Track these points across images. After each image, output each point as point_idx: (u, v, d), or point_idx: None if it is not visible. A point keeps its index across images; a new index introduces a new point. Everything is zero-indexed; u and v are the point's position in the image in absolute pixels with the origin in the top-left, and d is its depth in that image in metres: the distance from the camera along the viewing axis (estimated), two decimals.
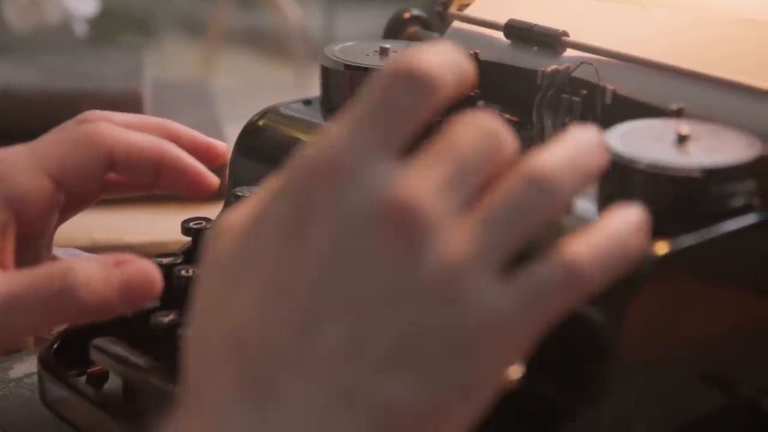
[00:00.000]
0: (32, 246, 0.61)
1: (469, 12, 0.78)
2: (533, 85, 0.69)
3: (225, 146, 0.66)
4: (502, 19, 0.73)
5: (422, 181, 0.40)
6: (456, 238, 0.40)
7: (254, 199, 0.43)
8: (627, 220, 0.44)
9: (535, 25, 0.71)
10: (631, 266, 0.43)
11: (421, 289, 0.39)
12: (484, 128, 0.43)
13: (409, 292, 0.39)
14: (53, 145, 0.61)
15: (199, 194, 0.63)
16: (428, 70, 0.41)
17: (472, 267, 0.40)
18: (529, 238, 0.42)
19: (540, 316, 0.41)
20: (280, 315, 0.40)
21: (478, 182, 0.42)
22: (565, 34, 0.70)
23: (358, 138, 0.40)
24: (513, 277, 0.41)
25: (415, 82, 0.41)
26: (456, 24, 0.78)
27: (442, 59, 0.42)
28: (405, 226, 0.39)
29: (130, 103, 1.05)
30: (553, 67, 0.68)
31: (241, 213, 0.43)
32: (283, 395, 0.39)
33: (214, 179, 0.64)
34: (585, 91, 0.66)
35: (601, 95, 0.65)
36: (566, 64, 0.68)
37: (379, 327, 0.39)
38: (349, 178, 0.40)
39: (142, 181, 0.64)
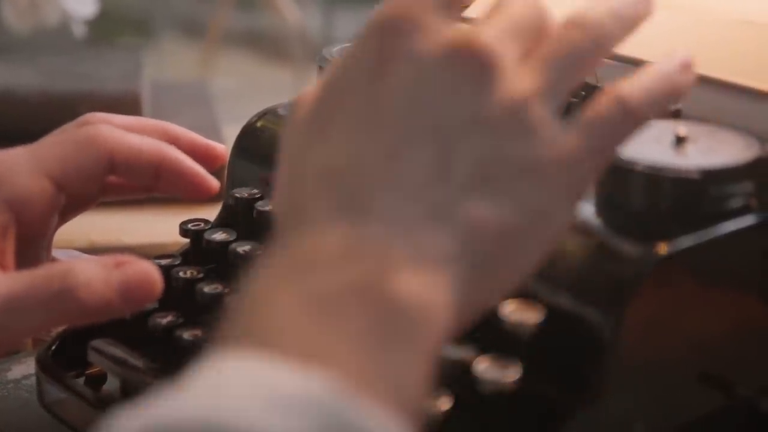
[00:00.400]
0: (32, 248, 0.61)
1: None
2: None
3: (224, 148, 0.66)
4: None
5: (486, 29, 0.45)
6: (521, 76, 0.44)
7: (335, 61, 0.47)
8: (674, 59, 0.49)
9: None
10: (679, 100, 0.52)
11: (492, 119, 0.43)
12: (530, 3, 0.47)
13: (482, 121, 0.43)
14: (54, 147, 0.61)
15: (198, 197, 0.63)
16: None
17: (537, 101, 0.44)
18: (581, 80, 0.47)
19: (600, 149, 0.45)
20: (369, 144, 0.43)
21: (529, 43, 0.46)
22: None
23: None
24: (572, 117, 0.45)
25: None
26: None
27: None
28: (476, 62, 0.44)
29: (128, 104, 1.05)
30: None
31: (325, 73, 0.46)
32: (377, 210, 0.42)
33: (213, 182, 0.64)
34: (583, 93, 0.66)
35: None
36: None
37: (458, 153, 0.43)
38: (425, 24, 0.44)
39: (142, 184, 0.64)
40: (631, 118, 0.46)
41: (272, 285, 0.40)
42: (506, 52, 0.44)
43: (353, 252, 0.41)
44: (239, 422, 0.35)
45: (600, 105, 0.46)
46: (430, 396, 0.41)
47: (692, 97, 0.62)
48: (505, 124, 0.43)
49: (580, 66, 0.46)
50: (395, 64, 0.44)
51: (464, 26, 0.45)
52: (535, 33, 0.46)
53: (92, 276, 0.54)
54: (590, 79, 0.66)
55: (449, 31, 0.44)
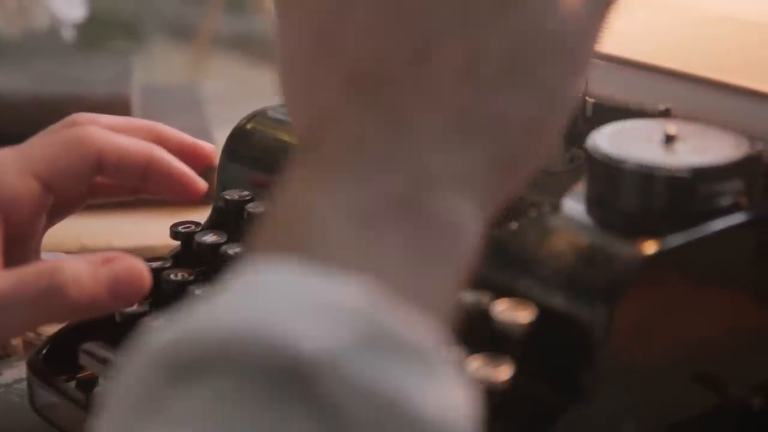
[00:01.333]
0: (20, 249, 0.61)
1: None
2: None
3: (212, 148, 0.66)
4: None
5: None
6: None
7: None
8: None
9: None
10: None
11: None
12: None
13: (512, 3, 0.41)
14: (41, 147, 0.61)
15: (186, 198, 0.63)
16: None
17: None
18: None
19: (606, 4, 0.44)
20: (392, 43, 0.41)
21: None
22: None
23: None
24: None
25: None
26: None
27: None
28: None
29: (118, 107, 1.04)
30: None
31: None
32: (409, 120, 0.40)
33: (201, 183, 0.64)
34: None
35: (582, 108, 0.66)
36: None
37: (488, 45, 0.41)
38: None
39: (130, 185, 0.64)
40: None
41: (308, 192, 0.40)
42: None
43: (390, 163, 0.40)
44: (286, 331, 0.34)
45: None
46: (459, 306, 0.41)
47: (679, 96, 0.62)
48: (535, 5, 0.42)
49: None
50: None
51: None
52: None
53: (81, 273, 0.54)
54: None
55: None
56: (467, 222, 0.40)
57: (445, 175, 0.40)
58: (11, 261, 0.58)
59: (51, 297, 0.54)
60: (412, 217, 0.39)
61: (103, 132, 0.61)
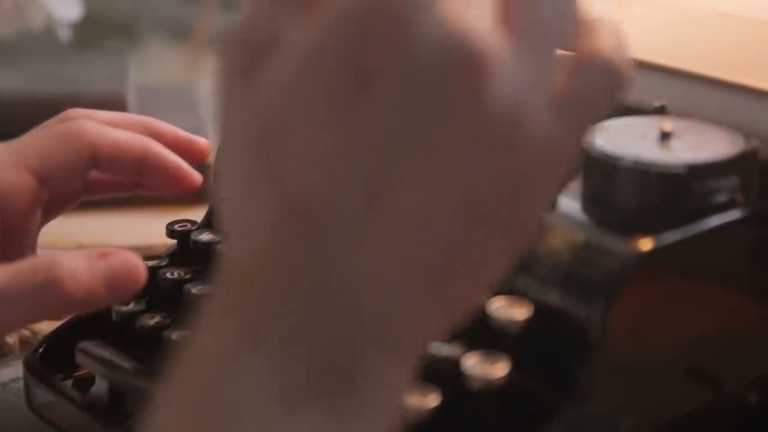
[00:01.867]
0: (16, 245, 0.61)
1: None
2: None
3: (207, 142, 0.66)
4: None
5: (476, 14, 0.36)
6: (512, 69, 0.36)
7: (292, 53, 0.36)
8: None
9: None
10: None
11: (490, 131, 0.36)
12: None
13: (480, 136, 0.36)
14: (36, 142, 0.61)
15: (181, 192, 0.63)
16: None
17: (532, 97, 0.37)
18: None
19: (587, 123, 0.40)
20: (341, 177, 0.35)
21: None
22: None
23: None
24: (562, 98, 0.38)
25: None
26: None
27: None
28: (473, 66, 0.35)
29: (114, 107, 1.03)
30: None
31: (280, 72, 0.36)
32: (347, 263, 0.35)
33: (197, 177, 0.64)
34: None
35: None
36: None
37: (453, 179, 0.36)
38: (410, 20, 0.35)
39: (125, 180, 0.64)
40: (619, 82, 0.40)
41: (226, 347, 0.36)
42: (496, 38, 0.36)
43: (321, 323, 0.35)
44: None
45: (585, 77, 0.39)
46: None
47: (676, 93, 0.62)
48: (500, 134, 0.36)
49: (568, 32, 0.39)
50: (376, 81, 0.35)
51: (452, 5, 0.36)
52: None
53: (77, 267, 0.54)
54: None
55: (443, 22, 0.35)
56: (395, 380, 0.37)
57: (378, 334, 0.36)
58: (7, 257, 0.58)
59: (48, 291, 0.54)
60: (338, 390, 0.35)
61: (98, 126, 0.61)
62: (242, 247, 0.37)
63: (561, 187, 0.40)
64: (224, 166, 0.38)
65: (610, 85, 0.40)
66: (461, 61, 0.35)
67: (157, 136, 0.64)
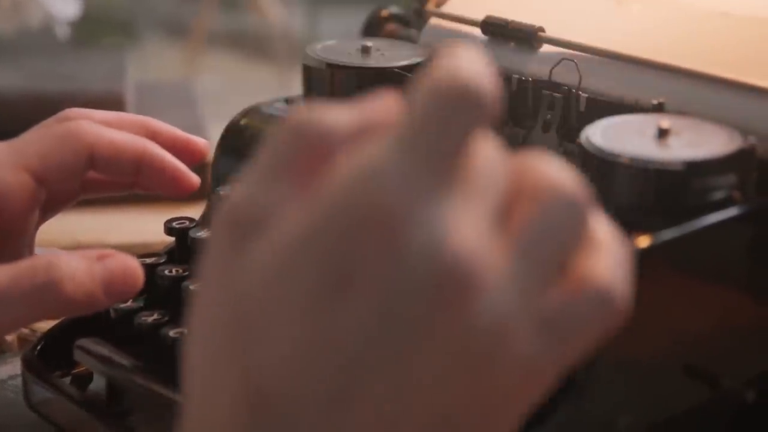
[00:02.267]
0: (14, 244, 0.61)
1: (446, 9, 0.78)
2: (511, 83, 0.69)
3: (205, 142, 0.66)
4: (479, 16, 0.73)
5: (470, 226, 0.35)
6: (502, 289, 0.35)
7: (279, 241, 0.35)
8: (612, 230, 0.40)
9: (511, 21, 0.71)
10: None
11: (470, 350, 0.35)
12: (498, 158, 0.38)
13: (459, 354, 0.35)
14: (34, 142, 0.61)
15: (179, 193, 0.63)
16: (478, 84, 0.35)
17: (519, 317, 0.35)
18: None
19: (573, 351, 0.38)
20: (308, 375, 0.34)
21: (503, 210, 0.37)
22: (541, 29, 0.70)
23: (410, 173, 0.34)
24: (549, 319, 0.36)
25: (467, 100, 0.35)
26: (433, 21, 0.78)
27: (482, 69, 0.36)
28: (460, 288, 0.34)
29: (112, 105, 1.04)
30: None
31: (264, 257, 0.35)
32: None
33: (194, 179, 0.64)
34: (566, 87, 0.67)
35: (575, 103, 0.66)
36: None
37: (424, 393, 0.35)
38: (402, 230, 0.34)
39: (123, 180, 0.64)
40: (613, 313, 0.38)
41: None
42: (493, 260, 0.35)
43: None
44: None
45: (576, 304, 0.37)
46: None
47: (674, 90, 0.62)
48: (481, 358, 0.35)
49: (564, 251, 0.37)
50: (357, 285, 0.34)
51: (452, 221, 0.34)
52: (507, 197, 0.37)
53: (76, 268, 0.54)
54: (573, 74, 0.66)
55: (438, 238, 0.34)
56: None
57: None
58: (4, 256, 0.58)
59: (47, 292, 0.54)
60: None
61: (96, 127, 0.61)
62: (201, 425, 0.36)
63: (534, 407, 0.38)
64: (194, 336, 0.37)
65: (602, 315, 0.37)
66: (448, 281, 0.34)
67: (155, 136, 0.64)
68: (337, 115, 0.36)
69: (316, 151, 0.36)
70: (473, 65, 0.36)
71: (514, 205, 0.37)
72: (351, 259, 0.34)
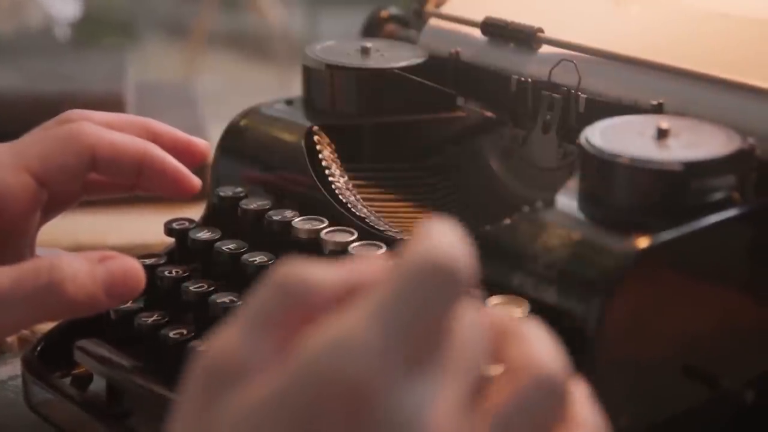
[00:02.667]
0: (15, 245, 0.61)
1: (445, 9, 0.78)
2: (511, 84, 0.69)
3: (206, 144, 0.66)
4: (478, 16, 0.73)
5: (442, 410, 0.35)
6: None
7: (249, 403, 0.36)
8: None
9: (510, 22, 0.71)
10: None
11: None
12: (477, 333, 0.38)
13: None
14: (36, 143, 0.61)
15: (180, 195, 0.63)
16: (454, 262, 0.36)
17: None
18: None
19: None
20: None
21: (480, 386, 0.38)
22: (540, 30, 0.70)
23: (384, 349, 0.35)
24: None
25: (444, 279, 0.36)
26: (433, 21, 0.78)
27: (457, 245, 0.37)
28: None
29: (112, 105, 1.05)
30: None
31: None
32: None
33: (195, 181, 0.64)
34: (565, 88, 0.67)
35: (575, 103, 0.66)
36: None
37: None
38: (371, 406, 0.34)
39: (124, 182, 0.64)
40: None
41: None
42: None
43: None
44: None
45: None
46: None
47: (673, 91, 0.63)
48: None
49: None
50: None
51: (427, 405, 0.35)
52: (483, 368, 0.38)
53: (78, 270, 0.54)
54: (572, 75, 0.67)
55: (409, 422, 0.34)
56: None
57: None
58: (5, 257, 0.58)
59: (49, 294, 0.54)
60: None
61: (97, 128, 0.61)
62: None
63: None
64: None
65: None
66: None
67: (156, 137, 0.64)
68: (324, 274, 0.37)
69: (300, 309, 0.37)
70: (449, 242, 0.37)
71: (492, 380, 0.37)
72: (317, 430, 0.34)
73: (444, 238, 0.37)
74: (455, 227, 0.38)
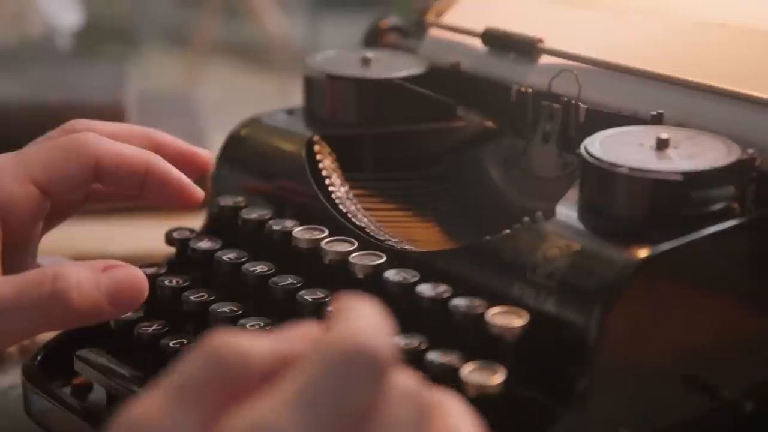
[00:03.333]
0: (18, 254, 0.61)
1: (446, 20, 0.78)
2: (511, 94, 0.69)
3: (209, 154, 0.66)
4: (479, 27, 0.74)
5: None
6: None
7: None
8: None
9: (511, 32, 0.72)
10: None
11: None
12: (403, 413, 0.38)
13: None
14: (40, 153, 0.61)
15: (183, 206, 0.63)
16: (379, 352, 0.37)
17: None
18: None
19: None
20: None
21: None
22: (541, 41, 0.70)
23: None
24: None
25: (366, 363, 0.37)
26: (433, 32, 0.78)
27: (380, 328, 0.37)
28: None
29: (113, 114, 1.05)
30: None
31: None
32: None
33: (199, 192, 0.64)
34: (565, 98, 0.67)
35: (575, 113, 0.66)
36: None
37: None
38: None
39: (127, 192, 0.64)
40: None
41: None
42: None
43: None
44: None
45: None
46: None
47: (672, 102, 0.63)
48: None
49: None
50: None
51: None
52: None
53: (82, 279, 0.54)
54: (572, 85, 0.67)
55: None
56: None
57: None
58: (8, 266, 0.58)
59: (53, 303, 0.54)
60: None
61: (101, 139, 0.61)
62: None
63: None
64: None
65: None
66: None
67: (159, 148, 0.64)
68: (254, 346, 0.37)
69: (230, 381, 0.37)
70: (371, 323, 0.37)
71: None
72: None
73: (365, 319, 0.37)
74: (375, 306, 0.38)
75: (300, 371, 0.36)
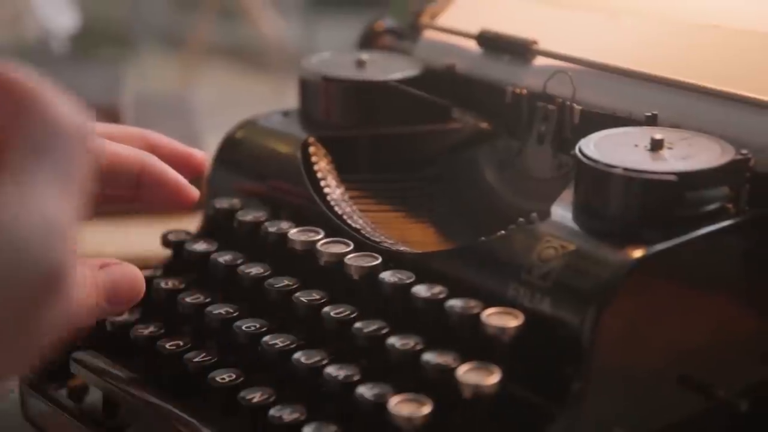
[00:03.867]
0: None
1: (441, 22, 0.78)
2: (506, 95, 0.69)
3: (204, 155, 0.66)
4: (474, 28, 0.74)
5: None
6: None
7: None
8: None
9: (505, 34, 0.72)
10: None
11: None
12: None
13: None
14: None
15: (178, 207, 0.63)
16: None
17: None
18: None
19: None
20: None
21: None
22: (535, 42, 0.70)
23: None
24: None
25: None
26: (428, 34, 0.78)
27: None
28: None
29: (109, 116, 1.04)
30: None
31: None
32: None
33: (194, 192, 0.64)
34: (560, 99, 0.67)
35: (569, 115, 0.66)
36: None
37: None
38: None
39: (123, 193, 0.64)
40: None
41: None
42: None
43: None
44: None
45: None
46: None
47: (667, 103, 0.63)
48: None
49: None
50: None
51: None
52: None
53: (80, 277, 0.54)
54: (567, 87, 0.67)
55: None
56: None
57: None
58: None
59: None
60: None
61: (97, 140, 0.61)
62: None
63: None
64: None
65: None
66: None
67: (155, 149, 0.64)
68: None
69: None
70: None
71: None
72: None
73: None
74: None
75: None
